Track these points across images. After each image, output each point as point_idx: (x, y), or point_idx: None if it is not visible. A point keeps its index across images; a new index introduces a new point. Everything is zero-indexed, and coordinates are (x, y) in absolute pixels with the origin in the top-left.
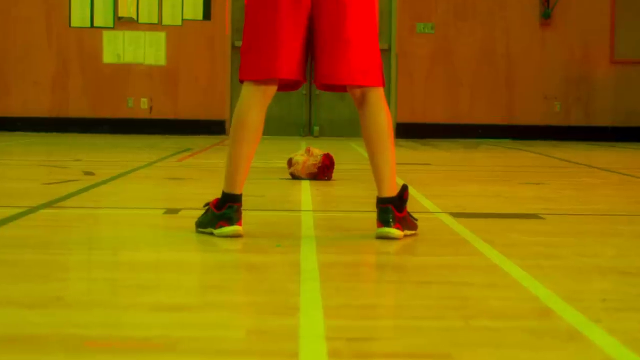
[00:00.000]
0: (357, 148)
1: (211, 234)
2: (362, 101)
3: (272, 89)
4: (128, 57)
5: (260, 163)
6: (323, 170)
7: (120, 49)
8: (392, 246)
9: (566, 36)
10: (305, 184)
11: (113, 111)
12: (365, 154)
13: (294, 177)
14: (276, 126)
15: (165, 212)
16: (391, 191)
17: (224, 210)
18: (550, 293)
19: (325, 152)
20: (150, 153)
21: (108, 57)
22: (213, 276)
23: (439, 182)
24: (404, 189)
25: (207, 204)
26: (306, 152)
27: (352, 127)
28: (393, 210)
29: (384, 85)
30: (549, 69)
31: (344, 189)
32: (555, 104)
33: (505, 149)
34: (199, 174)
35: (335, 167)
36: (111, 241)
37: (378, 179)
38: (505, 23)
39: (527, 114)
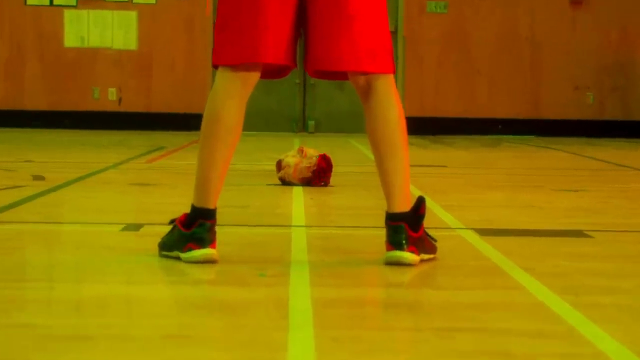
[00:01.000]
0: (360, 146)
1: (178, 258)
2: (367, 92)
3: (254, 77)
4: (93, 41)
5: (243, 165)
6: (319, 175)
7: (84, 30)
8: (405, 275)
9: (600, 17)
10: (298, 192)
11: (76, 103)
12: (371, 156)
13: (284, 182)
14: (264, 121)
15: (124, 229)
16: (404, 205)
17: (193, 229)
18: (620, 346)
19: (322, 153)
20: (116, 152)
21: (70, 41)
22: (175, 321)
23: (457, 188)
24: (420, 202)
25: (173, 221)
26: (299, 152)
27: (354, 122)
28: (406, 229)
29: (394, 72)
30: (580, 54)
31: (344, 197)
32: (587, 95)
33: (530, 148)
34: (171, 178)
35: (333, 170)
36: (46, 270)
37: (388, 190)
38: (530, 2)
39: (555, 107)
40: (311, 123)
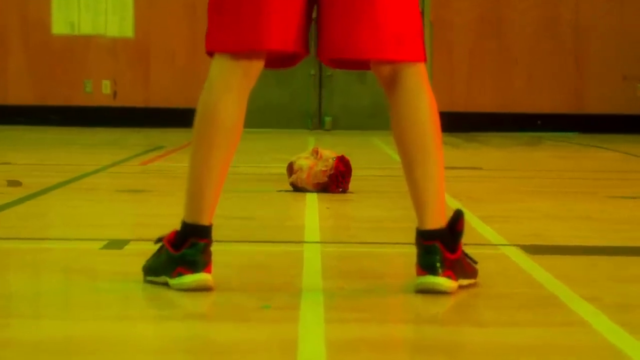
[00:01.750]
0: (383, 146)
1: (166, 285)
2: (393, 84)
3: (257, 67)
4: (85, 28)
5: (248, 168)
6: (336, 180)
7: (74, 16)
8: (441, 307)
9: None
10: (312, 200)
11: (65, 97)
12: (398, 158)
13: (296, 188)
14: (274, 117)
15: (105, 247)
16: (438, 220)
17: (184, 250)
18: None
19: (339, 154)
20: (107, 153)
21: (59, 27)
22: None
23: (496, 195)
24: (458, 217)
25: (160, 239)
26: (313, 154)
27: (376, 118)
28: (442, 249)
29: (425, 60)
30: (629, 41)
31: (366, 207)
32: (637, 86)
33: (575, 146)
34: (168, 183)
35: (352, 174)
36: (6, 301)
37: (419, 203)
38: None
39: (602, 101)
40: (328, 119)
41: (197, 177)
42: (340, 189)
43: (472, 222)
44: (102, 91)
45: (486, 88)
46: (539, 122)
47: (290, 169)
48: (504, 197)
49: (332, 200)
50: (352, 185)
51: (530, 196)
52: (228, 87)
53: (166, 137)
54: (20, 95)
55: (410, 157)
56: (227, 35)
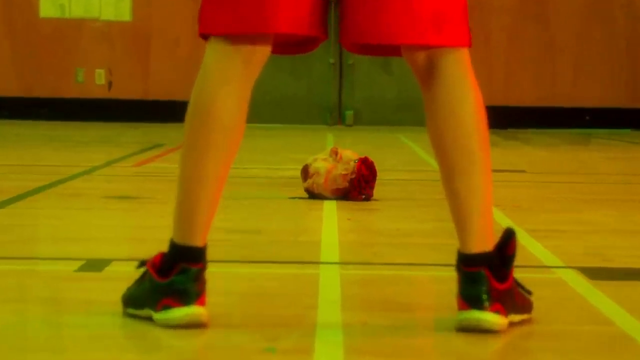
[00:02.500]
0: (412, 144)
1: (150, 319)
2: (430, 74)
3: (262, 53)
4: (76, 10)
5: (258, 169)
6: (358, 185)
7: None
8: (488, 349)
9: None
10: (330, 209)
11: (55, 88)
12: (431, 160)
13: (312, 195)
14: (289, 111)
15: (82, 268)
16: (484, 242)
17: (173, 277)
18: None
19: (362, 156)
20: (99, 151)
21: (47, 10)
22: None
23: (545, 204)
24: (509, 238)
25: (143, 263)
26: (332, 155)
27: (403, 112)
28: (489, 278)
29: (470, 45)
30: None
31: (393, 217)
32: None
33: (629, 145)
34: (163, 188)
35: (377, 178)
36: None
37: (461, 220)
38: None
39: None
40: (349, 114)
41: (189, 188)
42: (363, 196)
43: (519, 237)
44: (95, 82)
45: (527, 79)
46: (587, 117)
47: (305, 172)
48: (555, 206)
49: (354, 209)
50: (377, 191)
51: (585, 205)
52: (226, 77)
53: (166, 133)
54: (3, 86)
55: (451, 164)
56: (224, 13)
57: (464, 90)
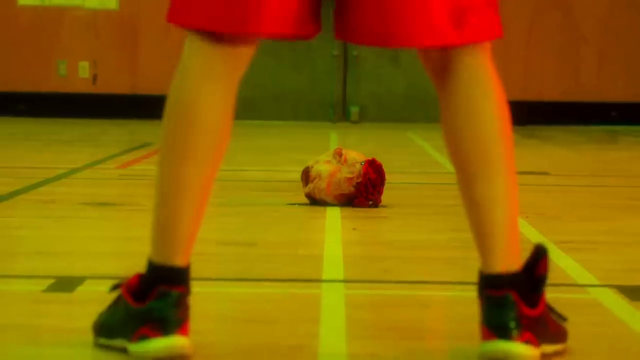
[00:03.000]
0: (423, 143)
1: (124, 351)
2: (445, 72)
3: (250, 47)
4: None
5: (254, 172)
6: (365, 190)
7: None
8: None
9: None
10: (333, 217)
11: (34, 82)
12: (446, 163)
13: (314, 201)
14: (289, 107)
15: (50, 288)
16: (511, 261)
17: (150, 303)
18: None
19: (369, 158)
20: (80, 152)
21: None
22: None
23: (574, 210)
24: (539, 256)
25: (117, 286)
26: (335, 156)
27: (413, 108)
28: (517, 302)
29: (501, 34)
30: None
31: (404, 226)
32: None
33: None
34: (151, 193)
35: (386, 181)
36: None
37: (482, 236)
38: None
39: None
40: (354, 109)
41: (168, 199)
42: (370, 202)
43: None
44: (78, 75)
45: (547, 71)
46: (613, 113)
47: (306, 176)
48: (585, 213)
49: (360, 217)
50: (385, 196)
51: (620, 212)
52: (209, 73)
53: (155, 131)
54: None
55: (471, 170)
56: (203, 6)
57: (485, 87)
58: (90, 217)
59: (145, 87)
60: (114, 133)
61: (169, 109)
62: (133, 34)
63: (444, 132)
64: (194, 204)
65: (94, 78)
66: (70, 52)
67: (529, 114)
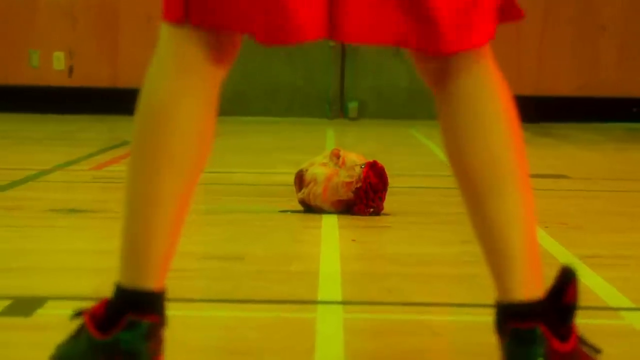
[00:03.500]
0: (427, 141)
1: None
2: (444, 80)
3: (235, 43)
4: None
5: (244, 176)
6: (365, 196)
7: None
8: None
9: None
10: (330, 226)
11: (4, 74)
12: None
13: (308, 208)
14: (283, 102)
15: (5, 312)
16: (534, 286)
17: (117, 334)
18: None
19: (370, 160)
20: (52, 151)
21: None
22: None
23: (599, 219)
24: (567, 279)
25: (79, 313)
26: (332, 158)
27: (415, 103)
28: (546, 336)
29: (493, 36)
30: None
31: (409, 237)
32: None
33: None
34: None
35: (389, 186)
36: None
37: (497, 258)
38: None
39: None
40: (352, 105)
41: (140, 214)
42: (371, 210)
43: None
44: (53, 66)
45: (564, 65)
46: (634, 109)
47: (300, 180)
48: (611, 222)
49: (360, 227)
50: (388, 203)
51: None
52: (188, 68)
53: None
54: None
55: (480, 184)
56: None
57: (489, 88)
58: (59, 226)
59: (126, 80)
60: (91, 130)
61: (141, 108)
62: (113, 22)
63: (446, 143)
64: (169, 219)
65: (70, 70)
66: (44, 41)
67: (543, 111)
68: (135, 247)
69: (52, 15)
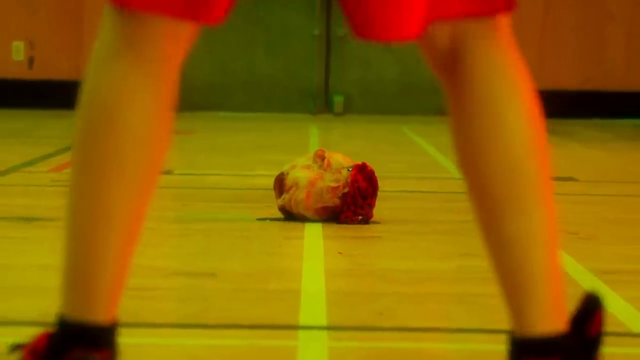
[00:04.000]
0: (419, 140)
1: None
2: (455, 60)
3: (190, 30)
4: None
5: (218, 178)
6: (353, 202)
7: None
8: None
9: None
10: (313, 236)
11: None
12: (451, 167)
13: (289, 215)
14: (263, 96)
15: None
16: (556, 316)
17: None
18: None
19: (359, 162)
20: (7, 150)
21: None
22: None
23: (618, 229)
24: (593, 307)
25: (18, 347)
26: (316, 159)
27: (407, 97)
28: None
29: (515, 7)
30: None
31: (402, 250)
32: None
33: None
34: None
35: (379, 190)
36: None
37: (515, 285)
38: None
39: None
40: (338, 99)
41: (85, 236)
42: (360, 218)
43: (587, 285)
44: (12, 57)
45: (568, 56)
46: None
47: (281, 184)
48: (629, 232)
49: (347, 237)
50: (378, 210)
51: None
52: (136, 58)
53: None
54: None
55: (497, 198)
56: None
57: (510, 81)
58: (8, 236)
59: None
60: (51, 127)
61: (83, 112)
62: (77, 10)
63: (457, 147)
64: (120, 239)
65: (30, 61)
66: (2, 30)
67: (545, 106)
68: (80, 273)
69: (10, 2)
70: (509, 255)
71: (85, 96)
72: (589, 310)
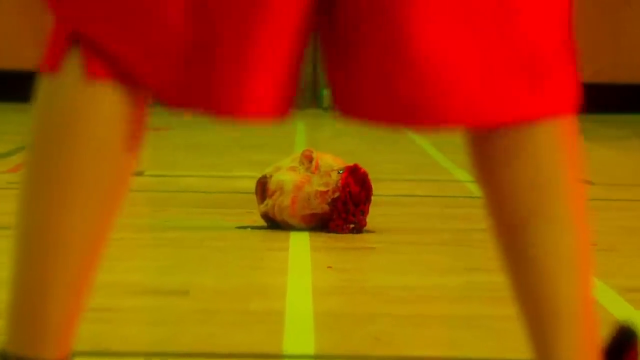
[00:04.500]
0: (415, 137)
1: None
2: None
3: None
4: None
5: (195, 180)
6: (344, 209)
7: None
8: None
9: None
10: (299, 246)
11: None
12: (453, 168)
13: (273, 223)
14: None
15: None
16: (586, 350)
17: None
18: None
19: (350, 164)
20: None
21: None
22: None
23: (633, 239)
24: (627, 340)
25: None
26: (304, 161)
27: None
28: None
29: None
30: None
31: (399, 263)
32: None
33: None
34: None
35: (373, 195)
36: None
37: (538, 313)
38: None
39: None
40: (327, 93)
41: (34, 260)
42: (352, 226)
43: (609, 305)
44: None
45: (580, 45)
46: None
47: (263, 188)
48: None
49: (338, 248)
50: (372, 217)
51: None
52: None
53: None
54: None
55: (517, 208)
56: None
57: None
58: None
59: None
60: (9, 122)
61: (38, 118)
62: None
63: (476, 161)
64: (77, 266)
65: None
66: None
67: None
68: (28, 302)
69: None
70: (527, 274)
71: (43, 98)
72: (623, 342)
